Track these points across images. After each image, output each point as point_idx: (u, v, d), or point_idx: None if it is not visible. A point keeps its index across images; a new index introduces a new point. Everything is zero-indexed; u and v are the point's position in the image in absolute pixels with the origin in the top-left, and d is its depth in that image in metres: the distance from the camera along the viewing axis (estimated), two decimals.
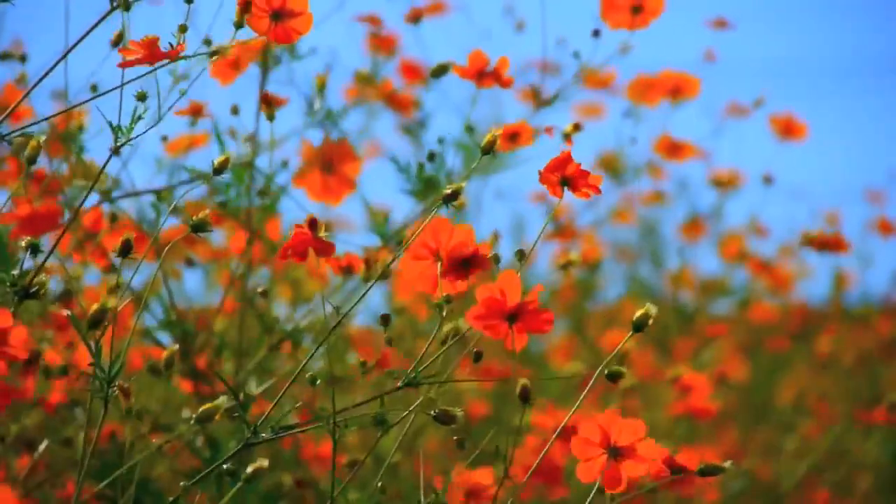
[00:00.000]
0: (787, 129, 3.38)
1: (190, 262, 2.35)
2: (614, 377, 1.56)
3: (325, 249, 1.64)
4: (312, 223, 1.63)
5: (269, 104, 1.90)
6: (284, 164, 2.13)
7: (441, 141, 2.08)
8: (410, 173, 2.07)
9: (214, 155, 1.83)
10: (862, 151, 5.66)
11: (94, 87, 1.92)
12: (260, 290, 1.86)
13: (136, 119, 1.54)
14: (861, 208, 4.27)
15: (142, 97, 1.55)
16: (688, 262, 4.45)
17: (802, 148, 3.44)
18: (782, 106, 3.39)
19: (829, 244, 2.74)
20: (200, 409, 1.55)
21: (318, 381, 1.57)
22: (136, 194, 1.97)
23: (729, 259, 4.24)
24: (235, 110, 2.06)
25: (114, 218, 2.11)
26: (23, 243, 1.56)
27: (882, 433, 3.69)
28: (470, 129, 2.04)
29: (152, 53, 1.57)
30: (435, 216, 1.56)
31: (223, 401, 1.54)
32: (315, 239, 1.63)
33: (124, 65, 1.57)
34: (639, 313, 1.53)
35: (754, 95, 3.20)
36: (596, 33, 2.03)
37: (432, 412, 1.58)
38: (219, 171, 1.62)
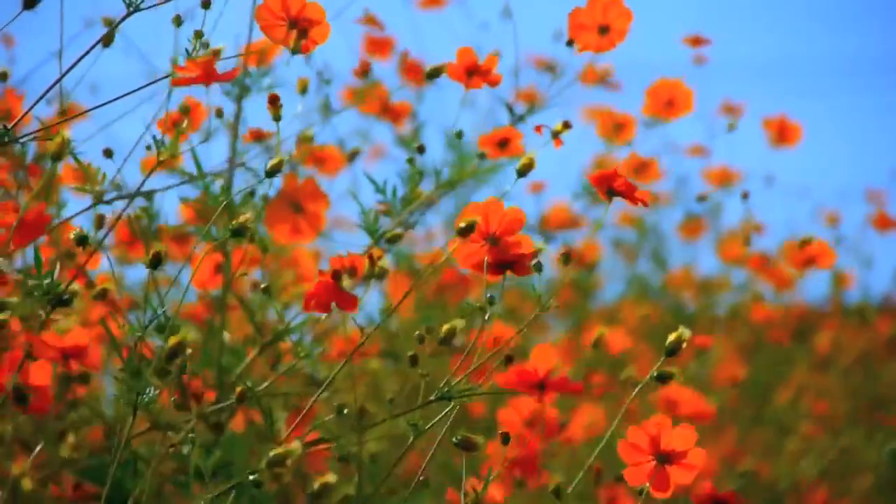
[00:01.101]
0: (781, 133, 3.38)
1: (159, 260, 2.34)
2: (664, 379, 1.58)
3: (348, 302, 1.64)
4: (336, 274, 1.63)
5: (275, 105, 1.90)
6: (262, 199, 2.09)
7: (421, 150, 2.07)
8: (387, 193, 2.07)
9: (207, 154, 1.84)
10: (862, 151, 5.66)
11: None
12: (262, 286, 1.86)
13: (180, 133, 1.55)
14: (861, 208, 4.27)
15: (185, 110, 1.56)
16: (688, 262, 4.46)
17: (802, 148, 3.44)
18: (782, 106, 3.39)
19: (814, 259, 2.75)
20: (272, 454, 1.55)
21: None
22: (131, 196, 1.97)
23: (728, 260, 4.24)
24: (220, 113, 2.05)
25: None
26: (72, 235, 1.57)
27: (882, 433, 3.69)
28: (459, 135, 2.05)
29: (208, 73, 1.58)
30: (490, 198, 1.57)
31: (297, 447, 1.54)
32: (338, 290, 1.63)
33: (179, 83, 1.58)
34: (672, 337, 1.56)
35: (754, 95, 3.20)
36: (570, 43, 2.02)
37: (455, 439, 1.59)
38: (272, 173, 1.63)
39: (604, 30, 1.88)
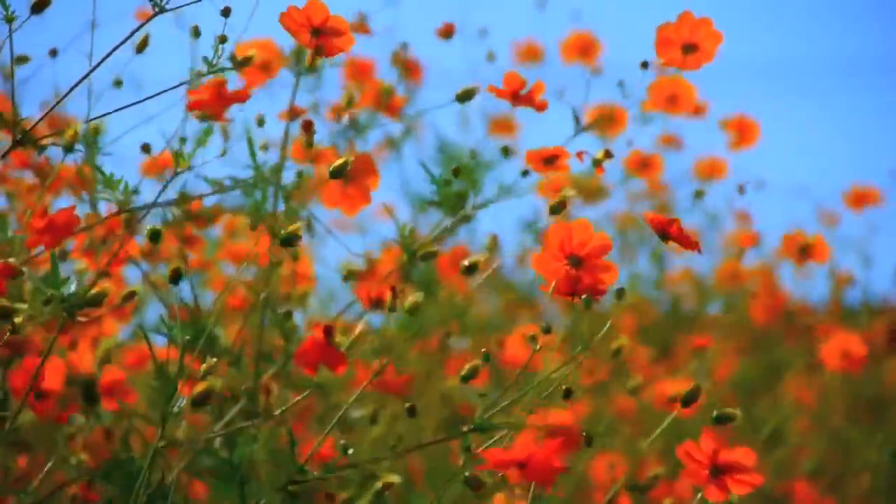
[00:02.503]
0: (741, 133, 3.39)
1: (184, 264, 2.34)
2: (724, 420, 1.62)
3: (335, 361, 1.64)
4: (327, 331, 1.63)
5: (308, 131, 1.91)
6: (301, 175, 2.11)
7: (469, 158, 2.08)
8: (441, 186, 2.07)
9: (238, 161, 1.83)
10: (862, 151, 5.66)
11: (118, 83, 1.92)
12: (282, 311, 1.86)
13: (200, 144, 1.55)
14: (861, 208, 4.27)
15: (203, 117, 1.56)
16: (688, 263, 4.46)
17: (802, 148, 3.45)
18: (781, 106, 3.40)
19: (809, 252, 2.77)
20: (195, 391, 1.55)
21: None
22: (156, 206, 1.97)
23: (724, 278, 4.25)
24: (261, 121, 2.05)
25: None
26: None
27: (882, 434, 3.69)
28: (506, 151, 2.05)
29: (219, 96, 1.59)
30: (578, 220, 1.57)
31: (216, 383, 1.54)
32: (328, 348, 1.63)
33: (192, 106, 1.59)
34: (687, 390, 1.60)
35: (754, 95, 3.19)
36: (644, 65, 2.02)
37: (464, 477, 1.59)
38: (335, 174, 1.62)
39: (690, 48, 1.88)
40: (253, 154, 2.00)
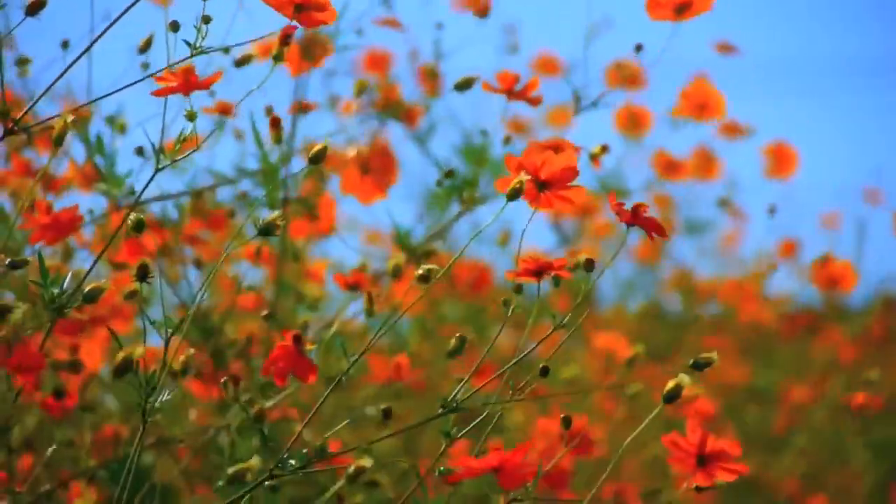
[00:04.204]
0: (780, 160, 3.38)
1: (199, 264, 2.34)
2: (701, 366, 1.60)
3: (305, 371, 1.62)
4: (297, 338, 1.61)
5: (276, 126, 1.90)
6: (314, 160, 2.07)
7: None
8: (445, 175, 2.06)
9: (245, 154, 1.82)
10: (862, 151, 5.67)
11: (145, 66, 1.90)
12: (263, 313, 1.85)
13: (182, 140, 1.53)
14: (859, 208, 4.27)
15: (191, 117, 1.54)
16: (685, 266, 4.46)
17: (802, 148, 3.44)
18: (781, 106, 3.39)
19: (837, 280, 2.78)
20: (231, 471, 1.54)
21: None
22: (162, 199, 1.96)
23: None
24: (270, 112, 2.03)
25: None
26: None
27: (880, 436, 3.69)
28: (508, 140, 2.04)
29: (187, 82, 1.57)
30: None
31: (138, 351, 1.53)
32: (299, 356, 1.61)
33: (159, 93, 1.57)
34: (671, 385, 1.58)
35: (754, 95, 3.19)
36: (639, 48, 2.01)
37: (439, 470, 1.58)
38: (314, 160, 1.61)
39: (683, 7, 1.87)
40: (260, 144, 1.99)
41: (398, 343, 2.64)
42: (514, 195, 1.54)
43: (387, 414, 1.64)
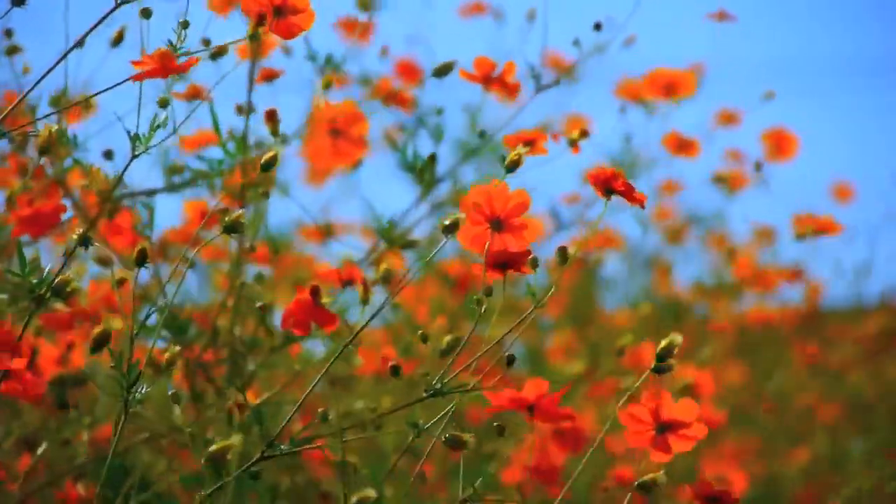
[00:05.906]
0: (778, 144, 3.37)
1: (192, 264, 2.33)
2: (661, 370, 1.58)
3: (326, 320, 1.64)
4: (315, 291, 1.63)
5: (272, 119, 1.89)
6: (283, 139, 2.04)
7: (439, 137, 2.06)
8: (412, 165, 2.05)
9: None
10: (862, 151, 5.66)
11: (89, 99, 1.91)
12: (258, 304, 1.85)
13: (156, 127, 1.54)
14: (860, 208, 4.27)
15: (164, 103, 1.54)
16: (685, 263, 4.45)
17: (801, 147, 3.43)
18: (781, 106, 3.38)
19: (823, 228, 2.75)
20: (212, 449, 1.54)
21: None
22: (134, 195, 1.96)
23: (739, 275, 4.23)
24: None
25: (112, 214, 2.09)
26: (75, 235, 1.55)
27: (880, 435, 3.69)
28: (483, 135, 2.04)
29: (164, 66, 1.57)
30: (495, 182, 1.55)
31: (236, 441, 1.54)
32: (317, 308, 1.63)
33: (137, 78, 1.57)
34: (663, 344, 1.57)
35: (754, 95, 3.18)
36: (598, 27, 2.01)
37: (443, 437, 1.58)
38: (267, 167, 1.61)
39: None
40: (218, 130, 1.98)
41: (395, 339, 2.64)
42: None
43: (395, 371, 1.63)
